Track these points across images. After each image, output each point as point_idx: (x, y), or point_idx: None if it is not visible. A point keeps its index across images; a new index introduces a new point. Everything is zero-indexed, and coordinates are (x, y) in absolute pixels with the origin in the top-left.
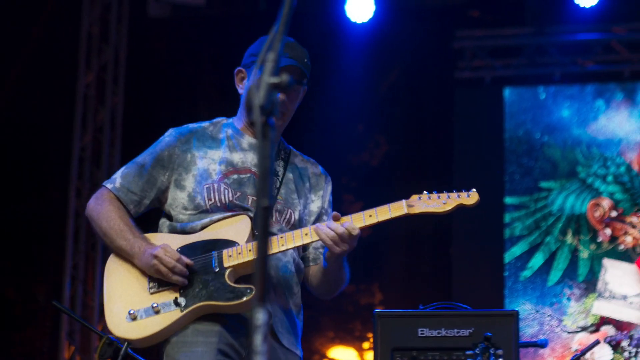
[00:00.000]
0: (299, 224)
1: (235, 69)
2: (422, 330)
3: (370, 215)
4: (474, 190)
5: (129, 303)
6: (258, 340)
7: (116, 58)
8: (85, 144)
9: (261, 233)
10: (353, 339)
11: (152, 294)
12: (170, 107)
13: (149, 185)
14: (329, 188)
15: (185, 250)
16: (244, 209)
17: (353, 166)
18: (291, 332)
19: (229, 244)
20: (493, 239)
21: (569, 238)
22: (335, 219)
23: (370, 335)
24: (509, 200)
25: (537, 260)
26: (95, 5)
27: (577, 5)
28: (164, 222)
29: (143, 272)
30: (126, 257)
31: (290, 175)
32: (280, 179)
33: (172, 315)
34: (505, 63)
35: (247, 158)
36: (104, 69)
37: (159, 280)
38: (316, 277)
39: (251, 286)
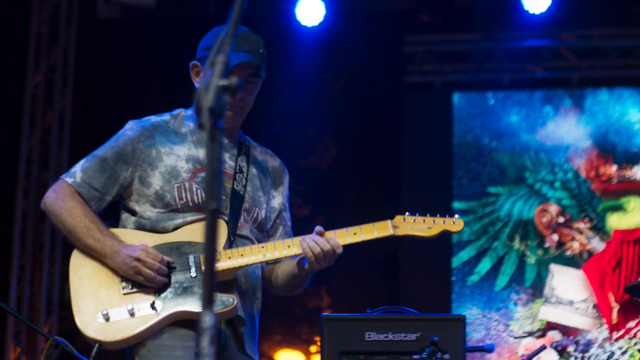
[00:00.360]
0: (264, 223)
1: (190, 62)
2: (369, 334)
3: (355, 233)
4: (457, 215)
5: (101, 303)
6: (205, 342)
7: (65, 59)
8: (33, 144)
9: (209, 235)
10: (300, 343)
11: (125, 294)
12: (119, 109)
13: (111, 182)
14: (287, 182)
15: (159, 250)
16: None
17: (302, 169)
18: (251, 338)
19: None
20: (441, 244)
21: (517, 243)
22: (320, 234)
23: (317, 338)
24: (457, 205)
25: (485, 265)
26: (44, 5)
27: (527, 12)
28: (128, 217)
29: (114, 271)
30: (95, 255)
31: (254, 171)
32: (245, 176)
33: (147, 319)
34: (455, 68)
35: None
36: (52, 70)
37: (132, 281)
38: (281, 278)
39: (233, 296)
